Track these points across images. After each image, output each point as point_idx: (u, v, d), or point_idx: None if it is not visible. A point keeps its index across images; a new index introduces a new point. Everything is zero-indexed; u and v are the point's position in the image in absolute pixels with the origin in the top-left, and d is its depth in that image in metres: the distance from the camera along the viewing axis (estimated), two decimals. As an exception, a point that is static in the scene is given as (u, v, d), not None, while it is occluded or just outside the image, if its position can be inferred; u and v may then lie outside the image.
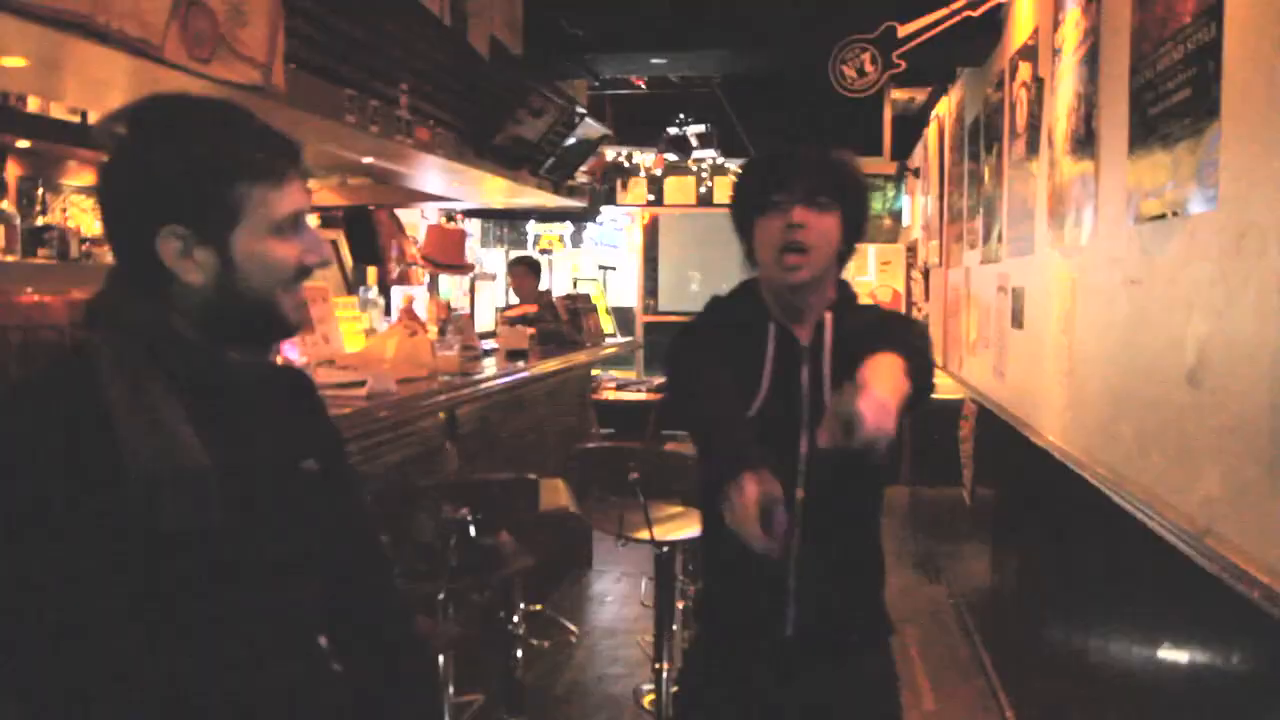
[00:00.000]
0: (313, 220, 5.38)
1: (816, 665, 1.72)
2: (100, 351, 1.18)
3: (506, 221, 10.26)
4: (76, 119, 4.04)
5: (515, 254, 10.28)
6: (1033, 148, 3.25)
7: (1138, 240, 2.11)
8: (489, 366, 4.00)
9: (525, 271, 6.36)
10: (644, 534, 2.89)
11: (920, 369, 1.53)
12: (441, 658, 2.56)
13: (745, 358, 1.66)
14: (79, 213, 4.51)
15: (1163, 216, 1.95)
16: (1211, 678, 1.72)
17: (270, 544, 1.27)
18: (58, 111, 3.95)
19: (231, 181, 1.17)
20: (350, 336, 3.70)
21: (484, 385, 3.65)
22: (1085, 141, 2.58)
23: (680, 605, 3.12)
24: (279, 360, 1.37)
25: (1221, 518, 1.64)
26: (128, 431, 1.14)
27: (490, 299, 7.36)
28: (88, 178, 4.47)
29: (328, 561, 1.36)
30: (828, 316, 1.68)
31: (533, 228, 10.48)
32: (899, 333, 1.64)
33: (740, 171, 1.79)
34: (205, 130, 1.18)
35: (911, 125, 6.64)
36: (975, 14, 3.98)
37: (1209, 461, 1.71)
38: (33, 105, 3.88)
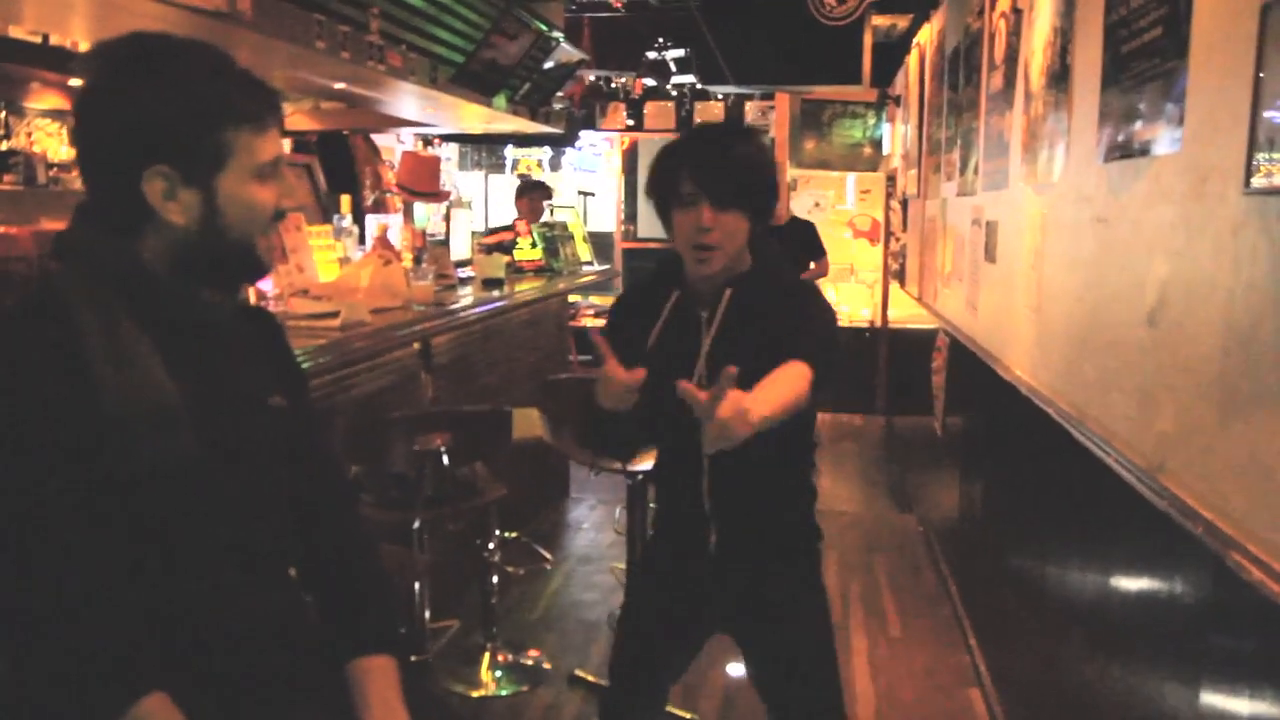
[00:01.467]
0: (285, 145, 5.32)
1: (742, 568, 1.95)
2: (71, 287, 1.19)
3: (485, 146, 10.14)
4: (38, 40, 3.95)
5: (498, 178, 10.19)
6: (1010, 80, 3.23)
7: (1106, 179, 2.12)
8: (465, 296, 4.00)
9: (542, 195, 6.49)
10: (616, 464, 2.93)
11: (823, 363, 1.70)
12: (417, 585, 2.61)
13: (646, 324, 1.89)
14: (45, 137, 4.43)
15: (1130, 156, 1.96)
16: (1157, 606, 1.79)
17: (240, 478, 1.29)
18: (18, 33, 3.86)
19: (220, 126, 1.20)
20: (324, 266, 3.68)
21: (459, 315, 3.65)
22: (1060, 76, 2.57)
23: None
24: (247, 298, 1.40)
25: (1174, 455, 1.69)
26: (101, 368, 1.15)
27: (467, 226, 7.30)
28: (53, 100, 4.37)
29: (295, 495, 1.39)
30: (727, 292, 1.85)
31: (511, 152, 10.36)
32: (803, 312, 1.83)
33: (655, 158, 1.93)
34: (194, 74, 1.21)
35: (893, 52, 6.57)
36: (958, -60, 3.92)
37: (1164, 400, 1.75)
38: (-7, 26, 3.79)
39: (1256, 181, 1.39)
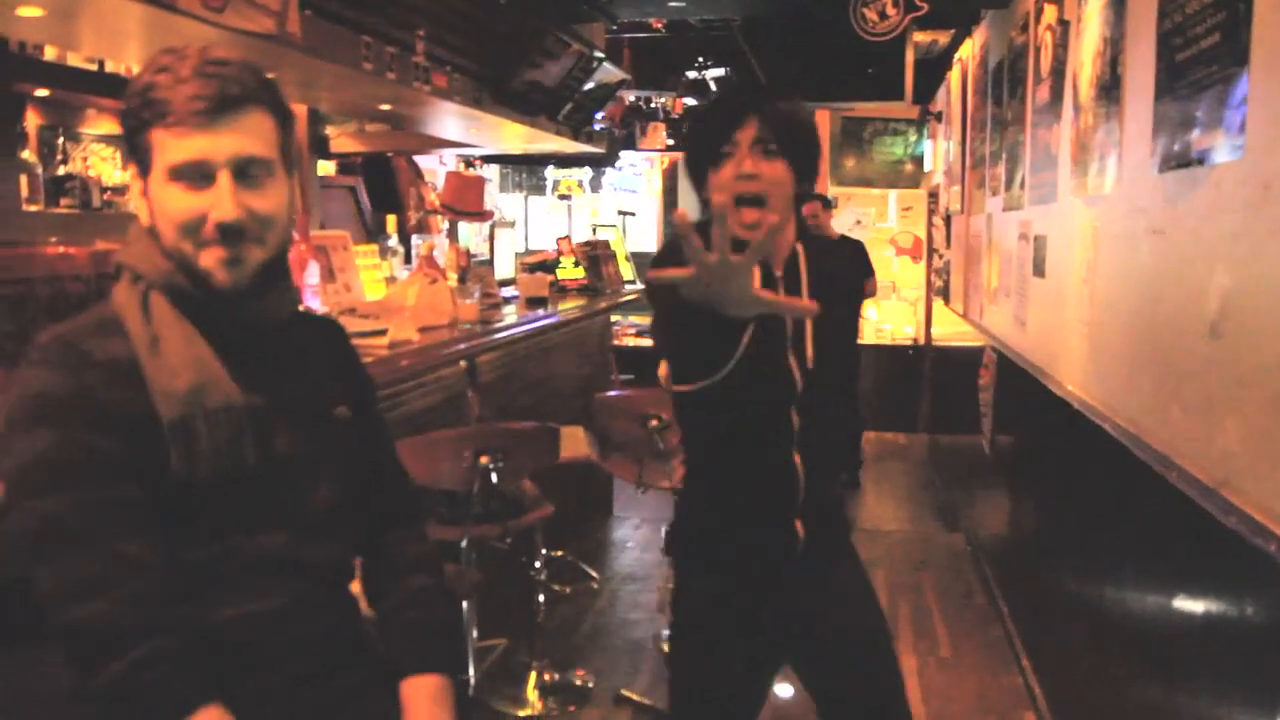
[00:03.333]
0: (329, 168, 5.32)
1: (807, 578, 1.79)
2: (125, 301, 1.21)
3: (525, 167, 10.21)
4: (94, 67, 4.04)
5: (538, 199, 10.24)
6: (1057, 93, 3.19)
7: (1162, 189, 2.08)
8: (509, 314, 4.01)
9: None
10: (664, 481, 2.91)
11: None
12: (465, 604, 2.61)
13: None
14: (99, 161, 4.51)
15: (1187, 165, 1.92)
16: (1226, 628, 1.74)
17: (301, 490, 1.29)
18: (75, 60, 3.94)
19: (146, 125, 1.20)
20: (371, 285, 3.71)
21: (504, 333, 3.66)
22: (1110, 87, 2.53)
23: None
24: (303, 306, 1.38)
25: (1239, 471, 1.64)
26: (157, 380, 1.16)
27: (510, 245, 7.34)
28: (107, 126, 4.46)
29: (359, 508, 1.39)
30: (799, 247, 1.76)
31: (551, 173, 10.41)
32: (857, 260, 1.86)
33: (689, 123, 1.84)
34: (145, 73, 1.21)
35: (934, 68, 6.53)
36: (1001, -46, 3.89)
37: (1228, 414, 1.71)
38: (50, 54, 3.87)
39: (1326, 187, 1.35)
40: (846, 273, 1.95)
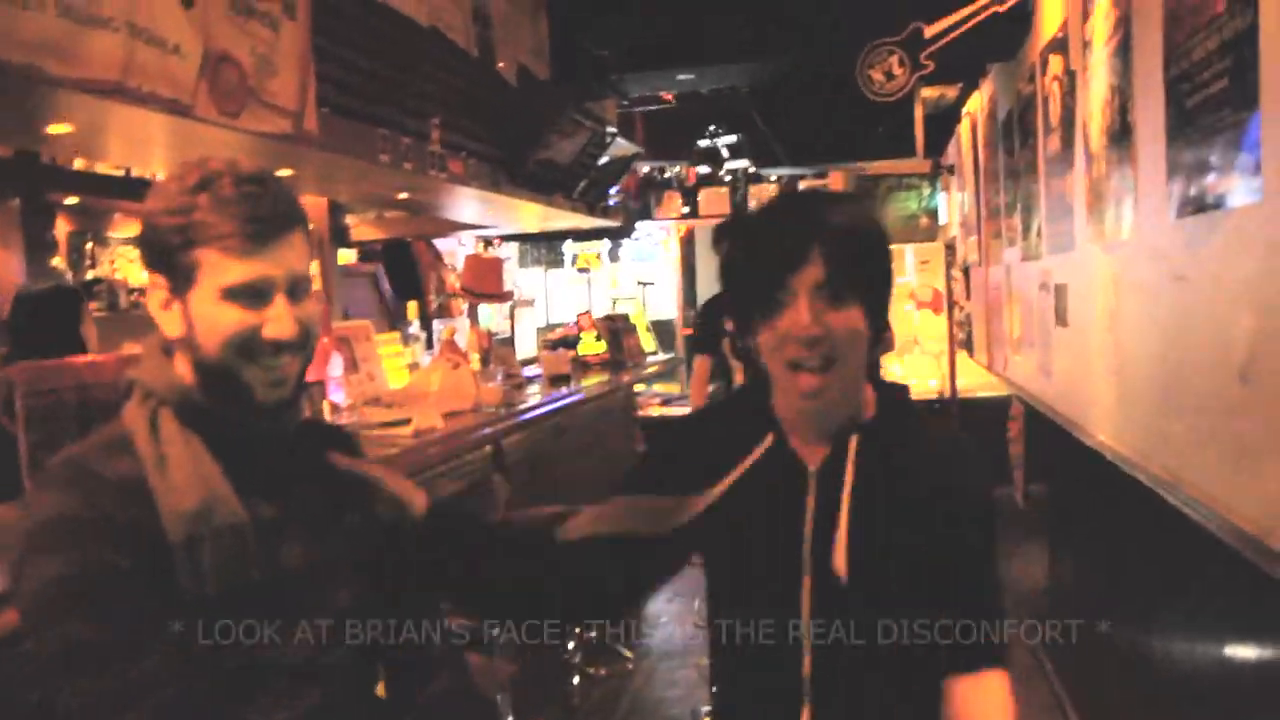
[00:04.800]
0: (350, 256, 5.40)
1: None
2: (134, 418, 1.22)
3: (544, 243, 10.33)
4: (121, 173, 4.14)
5: (557, 272, 10.33)
6: (1068, 142, 3.20)
7: (1181, 234, 2.07)
8: (533, 394, 4.02)
9: None
10: (695, 557, 2.87)
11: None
12: (500, 696, 2.56)
13: (717, 466, 1.33)
14: (126, 264, 4.60)
15: (1204, 210, 1.91)
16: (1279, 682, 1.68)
17: (319, 598, 1.28)
18: (102, 167, 4.05)
19: (189, 243, 1.19)
20: (394, 372, 3.73)
21: (529, 414, 3.66)
22: (1121, 134, 2.54)
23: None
24: (312, 413, 1.37)
25: (1285, 517, 1.60)
26: (164, 500, 1.17)
27: (531, 322, 7.40)
28: (134, 229, 4.55)
29: (379, 615, 1.37)
30: (853, 441, 1.30)
31: (569, 247, 10.53)
32: (968, 479, 1.34)
33: (731, 238, 1.45)
34: (181, 190, 1.22)
35: (944, 122, 6.58)
36: (1002, 9, 3.93)
37: (1267, 459, 1.67)
38: (78, 163, 3.98)
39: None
40: (940, 496, 1.31)
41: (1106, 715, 3.12)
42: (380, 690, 1.39)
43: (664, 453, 1.47)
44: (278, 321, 1.21)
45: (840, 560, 1.26)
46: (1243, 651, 1.87)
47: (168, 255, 1.21)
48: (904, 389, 1.42)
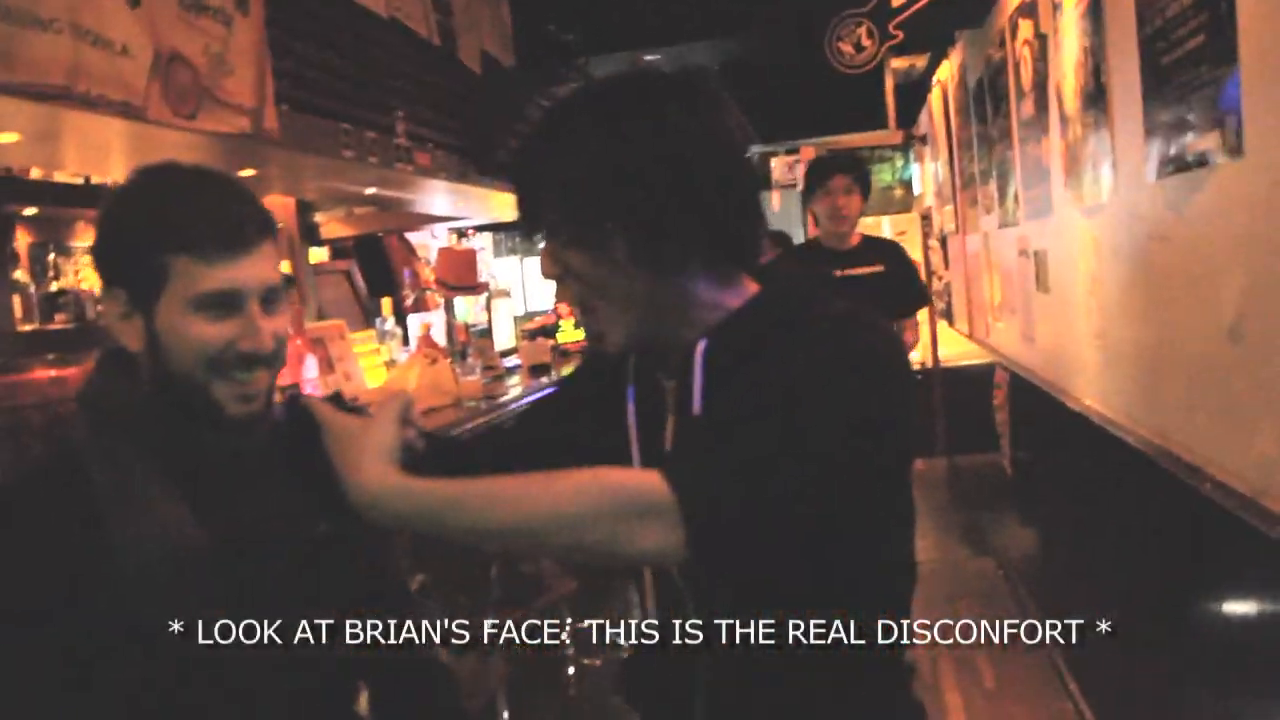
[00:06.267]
0: (322, 254, 5.31)
1: None
2: (84, 440, 1.17)
3: (518, 232, 10.25)
4: (81, 181, 4.04)
5: (533, 260, 10.25)
6: (1042, 106, 3.17)
7: (1161, 195, 2.04)
8: (513, 386, 3.97)
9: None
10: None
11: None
12: (496, 694, 2.54)
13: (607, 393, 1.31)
14: (91, 273, 4.51)
15: (1185, 169, 1.88)
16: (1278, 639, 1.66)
17: (289, 617, 1.22)
18: (62, 176, 3.95)
19: (157, 251, 1.14)
20: (372, 371, 3.67)
21: (510, 407, 3.61)
22: (1096, 96, 2.50)
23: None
24: (281, 410, 1.30)
25: (1277, 477, 1.58)
26: (116, 522, 1.12)
27: (509, 312, 7.32)
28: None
29: (354, 628, 1.32)
30: (699, 345, 1.16)
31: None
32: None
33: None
34: (148, 197, 1.17)
35: (914, 92, 6.55)
36: (968, -25, 3.91)
37: (1260, 418, 1.65)
38: (36, 173, 3.88)
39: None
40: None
41: (1107, 679, 3.12)
42: (362, 704, 1.35)
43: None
44: (252, 334, 1.16)
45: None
46: (1241, 611, 1.86)
47: (131, 263, 1.15)
48: (794, 276, 1.30)
